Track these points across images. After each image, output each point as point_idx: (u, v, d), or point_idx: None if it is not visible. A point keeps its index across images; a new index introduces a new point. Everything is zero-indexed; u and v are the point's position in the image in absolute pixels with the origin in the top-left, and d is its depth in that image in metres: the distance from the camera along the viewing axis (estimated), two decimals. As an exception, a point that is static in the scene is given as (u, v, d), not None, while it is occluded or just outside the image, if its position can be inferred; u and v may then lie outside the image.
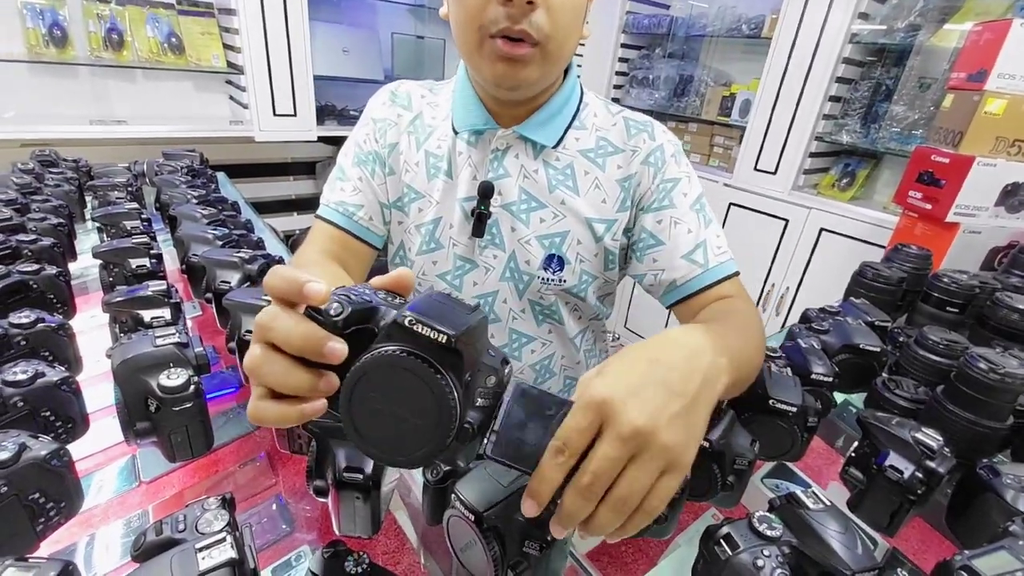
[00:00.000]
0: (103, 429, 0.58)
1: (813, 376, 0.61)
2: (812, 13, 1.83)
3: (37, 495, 0.41)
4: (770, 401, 0.55)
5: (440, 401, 0.28)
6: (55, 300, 0.70)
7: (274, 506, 0.58)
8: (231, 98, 2.17)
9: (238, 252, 0.75)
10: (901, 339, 0.82)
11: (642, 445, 0.31)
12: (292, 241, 2.61)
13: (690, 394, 0.34)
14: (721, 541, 0.41)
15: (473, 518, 0.38)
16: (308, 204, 2.67)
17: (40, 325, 0.56)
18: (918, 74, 1.81)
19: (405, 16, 2.48)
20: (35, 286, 0.66)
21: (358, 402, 0.29)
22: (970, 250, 1.34)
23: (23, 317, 0.56)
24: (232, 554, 0.33)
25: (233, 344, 0.62)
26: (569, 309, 0.77)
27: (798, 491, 0.43)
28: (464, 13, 0.57)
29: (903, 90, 1.85)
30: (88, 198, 1.11)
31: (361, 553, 0.36)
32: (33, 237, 0.76)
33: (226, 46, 1.99)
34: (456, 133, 0.70)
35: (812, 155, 1.99)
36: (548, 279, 0.72)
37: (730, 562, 0.39)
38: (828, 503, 0.42)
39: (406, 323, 0.28)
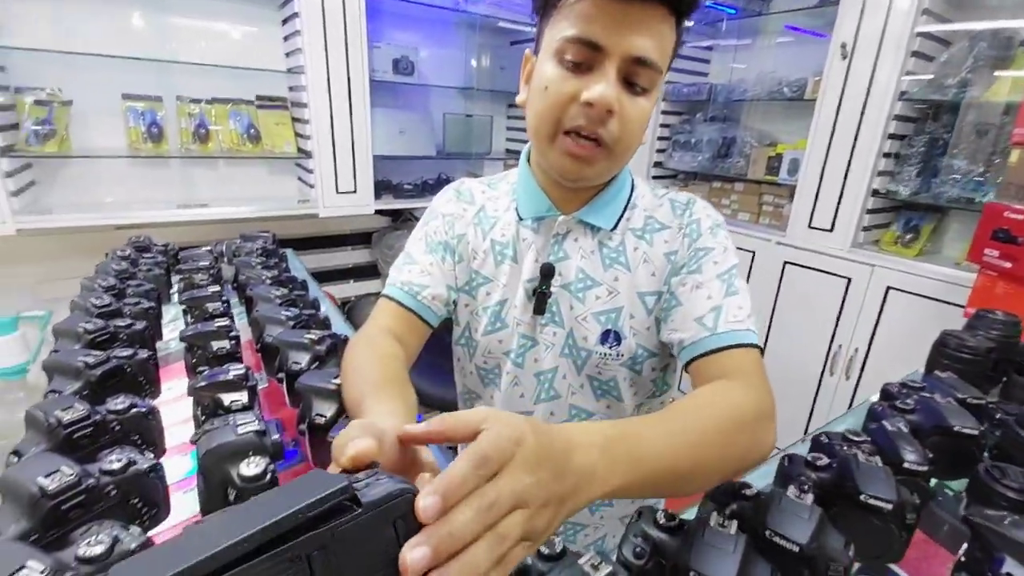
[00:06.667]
0: (176, 503, 0.60)
1: (905, 465, 0.57)
2: (856, 75, 1.82)
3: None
4: (861, 496, 0.50)
5: None
6: (144, 382, 0.75)
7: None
8: (299, 179, 2.36)
9: (308, 333, 0.78)
10: (999, 416, 0.75)
11: (521, 504, 0.32)
12: (348, 307, 2.73)
13: (559, 494, 0.35)
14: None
15: None
16: (363, 272, 2.80)
17: (133, 411, 0.60)
18: (973, 125, 1.76)
19: (455, 97, 2.67)
20: (128, 370, 0.72)
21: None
22: (1064, 311, 1.24)
23: (119, 403, 0.60)
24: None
25: (303, 426, 0.64)
26: (627, 384, 0.78)
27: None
28: (546, 107, 0.62)
29: (960, 144, 1.79)
30: (174, 279, 1.21)
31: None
32: (128, 322, 0.83)
33: (297, 134, 2.20)
34: (520, 220, 0.77)
35: (870, 211, 1.92)
36: (606, 354, 0.74)
37: None
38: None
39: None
